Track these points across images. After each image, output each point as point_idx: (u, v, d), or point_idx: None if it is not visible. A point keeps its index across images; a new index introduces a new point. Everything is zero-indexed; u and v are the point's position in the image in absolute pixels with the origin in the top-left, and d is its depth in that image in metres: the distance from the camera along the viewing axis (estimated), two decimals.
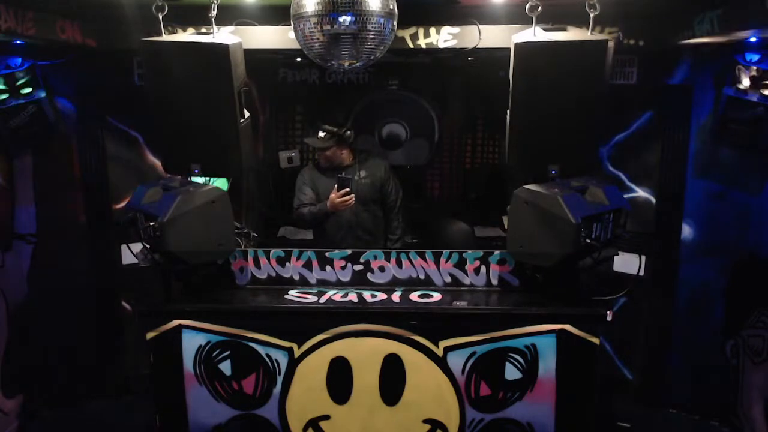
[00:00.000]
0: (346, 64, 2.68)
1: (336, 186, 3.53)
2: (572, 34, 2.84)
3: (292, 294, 3.03)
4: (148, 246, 2.93)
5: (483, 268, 3.10)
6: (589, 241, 2.68)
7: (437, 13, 3.26)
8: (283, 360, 2.89)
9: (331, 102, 4.85)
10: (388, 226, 3.91)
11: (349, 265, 3.13)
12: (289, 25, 2.69)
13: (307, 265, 3.14)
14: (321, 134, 3.71)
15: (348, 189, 3.50)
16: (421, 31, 3.30)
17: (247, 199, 4.16)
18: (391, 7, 2.60)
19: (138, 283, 3.65)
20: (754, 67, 3.23)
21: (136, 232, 2.92)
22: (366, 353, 2.87)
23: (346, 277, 3.14)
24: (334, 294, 3.01)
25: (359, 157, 3.87)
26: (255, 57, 3.24)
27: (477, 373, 2.86)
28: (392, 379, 2.88)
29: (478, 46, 3.24)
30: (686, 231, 3.70)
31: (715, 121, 3.45)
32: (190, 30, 3.17)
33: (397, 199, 3.91)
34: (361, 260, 3.12)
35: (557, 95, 2.81)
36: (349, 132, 3.77)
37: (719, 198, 3.59)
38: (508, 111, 2.97)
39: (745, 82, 3.24)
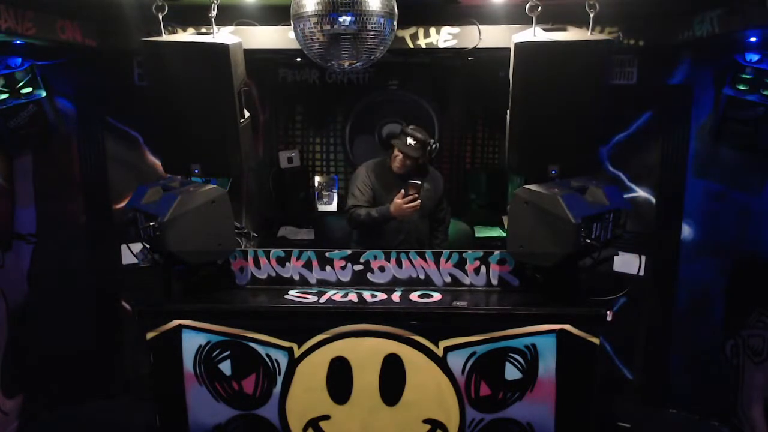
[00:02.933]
0: (346, 64, 2.68)
1: (403, 190, 3.37)
2: (572, 34, 2.84)
3: (292, 294, 3.03)
4: (148, 246, 2.93)
5: (483, 268, 3.10)
6: (589, 241, 2.68)
7: (437, 13, 3.26)
8: (283, 360, 2.89)
9: (331, 102, 4.86)
10: (433, 239, 3.84)
11: (349, 265, 3.13)
12: (289, 25, 2.69)
13: (307, 265, 3.14)
14: (411, 141, 3.54)
15: (417, 194, 3.35)
16: (421, 31, 3.30)
17: (247, 199, 4.16)
18: (391, 7, 2.60)
19: (138, 283, 3.65)
20: (754, 67, 3.23)
21: (136, 232, 2.92)
22: (366, 353, 2.87)
23: (346, 277, 3.14)
24: (334, 294, 3.01)
25: (423, 166, 3.74)
26: (255, 57, 3.25)
27: (477, 373, 2.86)
28: (392, 379, 2.88)
29: (478, 46, 3.24)
30: (686, 231, 3.70)
31: (715, 121, 3.44)
32: (190, 30, 3.17)
33: (447, 215, 3.91)
34: (361, 260, 3.12)
35: (557, 95, 2.81)
36: (436, 146, 3.63)
37: (719, 198, 3.59)
38: (508, 111, 2.98)
39: (745, 83, 3.24)
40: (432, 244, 3.82)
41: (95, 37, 3.45)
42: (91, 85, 3.72)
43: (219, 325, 2.89)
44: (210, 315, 2.91)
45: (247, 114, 3.12)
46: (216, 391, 2.94)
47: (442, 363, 2.85)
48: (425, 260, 3.11)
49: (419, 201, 3.37)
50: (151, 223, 2.75)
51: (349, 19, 2.51)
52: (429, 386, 2.88)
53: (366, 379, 2.88)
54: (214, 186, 2.96)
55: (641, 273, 3.63)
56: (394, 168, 3.63)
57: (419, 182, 3.40)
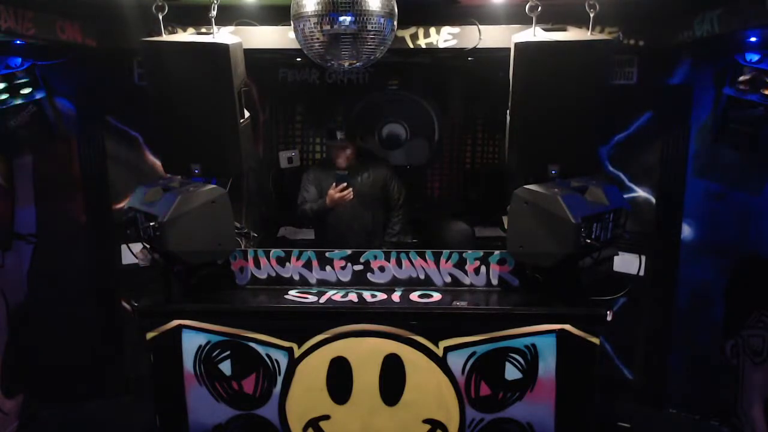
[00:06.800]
0: (346, 64, 2.68)
1: (334, 183, 3.68)
2: (572, 34, 2.84)
3: (292, 294, 3.03)
4: (148, 246, 2.93)
5: (483, 268, 3.10)
6: (589, 241, 2.68)
7: (437, 13, 3.26)
8: (283, 360, 2.89)
9: (331, 102, 4.85)
10: (387, 222, 4.03)
11: (349, 265, 3.13)
12: (289, 25, 2.69)
13: (307, 265, 3.14)
14: (341, 135, 3.89)
15: (345, 184, 3.66)
16: (421, 31, 3.29)
17: (247, 199, 4.16)
18: (391, 7, 2.60)
19: (138, 283, 3.65)
20: (754, 67, 3.23)
21: (136, 232, 2.92)
22: (366, 353, 2.87)
23: (346, 277, 3.14)
24: (334, 294, 3.01)
25: (365, 158, 4.04)
26: (255, 57, 3.25)
27: (477, 373, 2.86)
28: (392, 379, 2.88)
29: (478, 46, 3.24)
30: (686, 231, 3.70)
31: (715, 121, 3.44)
32: (190, 30, 3.17)
33: (399, 198, 4.04)
34: (361, 260, 3.12)
35: (557, 95, 2.81)
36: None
37: (719, 198, 3.59)
38: (508, 111, 2.97)
39: (745, 83, 3.24)
40: (387, 228, 3.98)
41: (95, 37, 3.45)
42: (91, 85, 3.72)
43: (219, 325, 2.89)
44: (210, 315, 2.92)
45: (247, 114, 3.12)
46: (216, 391, 2.94)
47: (442, 363, 2.85)
48: (425, 260, 3.11)
49: (350, 190, 3.66)
50: (151, 223, 2.75)
51: (349, 19, 2.51)
52: (429, 386, 2.88)
53: (366, 379, 2.88)
54: (214, 186, 2.96)
55: (641, 273, 3.63)
56: (339, 165, 3.88)
57: (345, 173, 3.75)
